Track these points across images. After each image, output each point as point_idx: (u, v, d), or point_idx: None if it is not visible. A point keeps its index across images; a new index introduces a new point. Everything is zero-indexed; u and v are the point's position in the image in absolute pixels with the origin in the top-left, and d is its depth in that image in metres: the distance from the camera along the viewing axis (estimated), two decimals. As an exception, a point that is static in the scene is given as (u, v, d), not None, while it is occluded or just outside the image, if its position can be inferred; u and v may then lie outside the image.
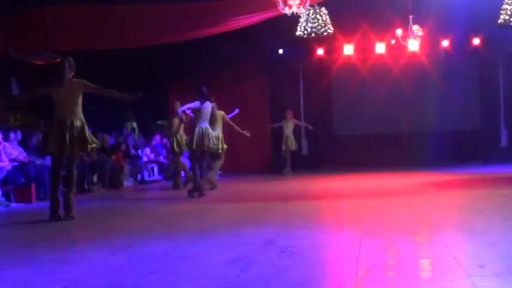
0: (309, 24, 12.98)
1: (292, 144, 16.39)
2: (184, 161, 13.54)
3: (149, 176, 15.48)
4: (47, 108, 8.04)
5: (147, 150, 15.71)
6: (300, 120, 17.56)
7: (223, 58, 17.22)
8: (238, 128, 12.46)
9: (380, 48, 17.99)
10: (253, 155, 18.29)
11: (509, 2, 12.66)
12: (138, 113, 18.78)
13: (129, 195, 12.21)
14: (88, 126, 7.76)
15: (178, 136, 12.67)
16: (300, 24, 13.15)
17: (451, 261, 4.11)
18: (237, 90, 18.09)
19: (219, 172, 13.17)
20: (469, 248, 4.59)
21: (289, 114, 16.47)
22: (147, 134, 17.36)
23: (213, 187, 11.78)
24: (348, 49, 18.22)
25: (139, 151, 15.73)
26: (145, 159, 15.45)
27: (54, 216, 7.52)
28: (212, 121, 11.24)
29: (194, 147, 10.34)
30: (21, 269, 4.52)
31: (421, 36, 15.27)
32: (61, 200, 7.67)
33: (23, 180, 10.40)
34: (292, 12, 11.16)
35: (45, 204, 8.09)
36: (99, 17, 13.77)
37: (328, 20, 13.07)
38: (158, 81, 17.82)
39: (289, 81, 19.00)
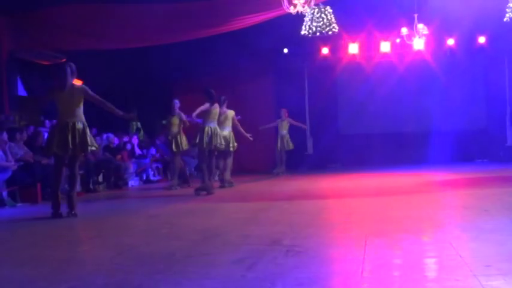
0: (314, 23, 12.97)
1: (288, 144, 16.21)
2: (186, 161, 13.57)
3: (154, 175, 15.50)
4: (53, 108, 8.35)
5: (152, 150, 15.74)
6: (305, 119, 17.54)
7: (228, 57, 17.22)
8: (243, 130, 12.63)
9: (385, 47, 17.96)
10: (258, 154, 18.28)
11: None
12: (143, 112, 18.79)
13: (134, 195, 12.23)
14: (93, 126, 7.98)
15: (178, 136, 12.58)
16: (304, 23, 13.14)
17: (457, 260, 4.10)
18: (241, 90, 18.08)
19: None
20: (475, 247, 4.58)
21: (284, 113, 16.34)
22: (152, 133, 17.37)
23: (230, 185, 12.11)
24: (353, 48, 18.20)
25: (144, 151, 15.75)
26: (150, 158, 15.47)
27: (55, 214, 7.78)
28: (223, 120, 11.69)
29: (204, 145, 10.65)
30: (27, 269, 4.53)
31: (426, 35, 15.26)
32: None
33: (28, 180, 10.42)
34: (297, 11, 11.17)
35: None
36: (106, 16, 13.81)
37: (333, 19, 13.06)
38: (163, 81, 17.84)
39: (294, 81, 18.97)
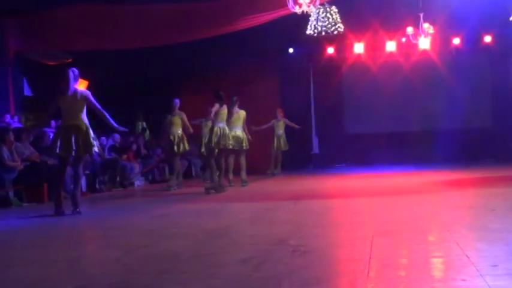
0: (319, 23, 12.95)
1: (284, 144, 16.02)
2: (192, 161, 13.55)
3: (160, 175, 15.51)
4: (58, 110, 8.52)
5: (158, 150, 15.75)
6: (310, 119, 17.51)
7: (233, 57, 17.22)
8: (246, 130, 12.70)
9: (390, 46, 17.93)
10: (263, 154, 18.26)
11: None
12: (149, 112, 18.81)
13: (140, 195, 12.26)
14: (99, 126, 8.18)
15: (178, 136, 12.50)
16: (310, 23, 13.12)
17: (463, 260, 4.09)
18: (246, 90, 18.02)
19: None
20: (481, 247, 4.57)
21: (279, 113, 16.22)
22: (157, 133, 17.37)
23: (244, 184, 12.29)
24: (359, 48, 18.19)
25: (150, 151, 15.77)
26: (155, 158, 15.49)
27: (58, 212, 8.08)
28: (235, 120, 12.00)
29: (213, 145, 10.96)
30: (34, 269, 4.55)
31: (431, 34, 15.22)
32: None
33: (35, 180, 10.45)
34: (303, 11, 11.17)
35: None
36: (111, 17, 13.84)
37: (339, 19, 13.04)
38: (169, 80, 17.84)
39: (300, 81, 18.97)
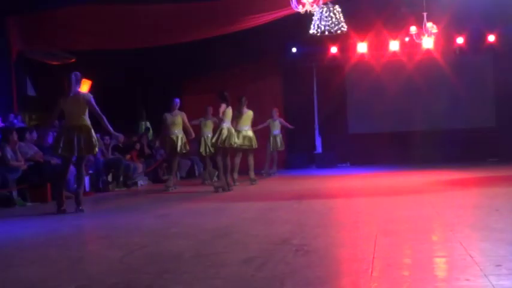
0: (323, 22, 12.93)
1: (281, 144, 15.88)
2: (195, 161, 13.53)
3: (163, 175, 15.50)
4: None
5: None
6: (314, 118, 17.46)
7: (236, 57, 17.21)
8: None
9: (394, 46, 17.92)
10: (266, 153, 18.23)
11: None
12: (152, 112, 18.82)
13: (143, 194, 12.25)
14: (102, 126, 8.38)
15: (178, 136, 12.36)
16: (313, 22, 13.10)
17: (467, 260, 4.08)
18: (250, 89, 18.02)
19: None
20: (485, 247, 4.55)
21: (275, 113, 16.14)
22: (158, 133, 17.36)
23: (254, 182, 12.53)
24: (362, 47, 18.17)
25: (153, 150, 15.77)
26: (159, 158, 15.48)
27: (59, 210, 8.30)
28: (244, 120, 12.30)
29: (220, 144, 11.12)
30: (36, 268, 4.55)
31: (435, 34, 15.19)
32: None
33: (38, 179, 10.45)
34: (306, 11, 11.14)
35: (61, 204, 8.39)
36: (114, 17, 13.84)
37: (342, 18, 13.02)
38: (171, 80, 17.85)
39: (303, 80, 18.96)
